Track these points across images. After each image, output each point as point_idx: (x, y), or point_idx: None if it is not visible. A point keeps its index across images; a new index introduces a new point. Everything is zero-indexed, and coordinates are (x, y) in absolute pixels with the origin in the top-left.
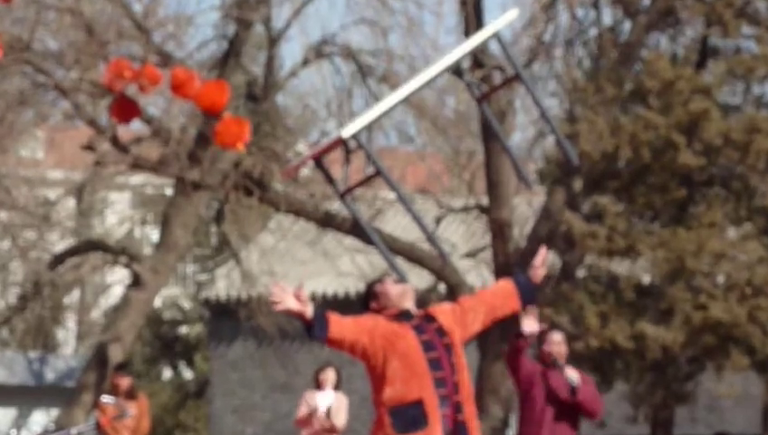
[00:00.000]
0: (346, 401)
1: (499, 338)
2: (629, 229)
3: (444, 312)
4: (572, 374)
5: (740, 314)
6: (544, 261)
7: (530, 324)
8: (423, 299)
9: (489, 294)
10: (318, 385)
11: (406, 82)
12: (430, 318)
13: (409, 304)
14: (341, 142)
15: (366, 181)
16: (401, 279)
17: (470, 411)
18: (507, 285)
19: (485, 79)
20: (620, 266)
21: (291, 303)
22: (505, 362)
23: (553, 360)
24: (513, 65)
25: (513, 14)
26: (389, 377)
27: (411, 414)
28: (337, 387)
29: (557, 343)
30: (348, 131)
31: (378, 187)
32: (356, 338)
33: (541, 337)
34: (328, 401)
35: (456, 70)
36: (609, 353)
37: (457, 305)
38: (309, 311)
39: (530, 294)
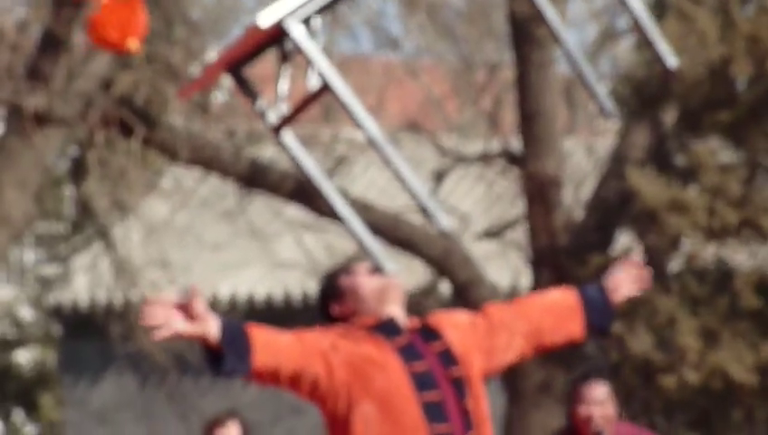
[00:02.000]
0: None
1: (537, 368)
2: (749, 193)
3: (456, 325)
4: None
5: None
6: (636, 271)
7: None
8: (415, 305)
9: (536, 305)
10: None
11: None
12: (431, 333)
13: (395, 308)
14: (268, 35)
15: (309, 103)
16: (381, 268)
17: None
18: (567, 296)
19: None
20: (737, 254)
21: (179, 324)
22: None
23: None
24: None
25: None
26: (358, 432)
27: None
28: None
29: (600, 402)
30: (269, 16)
31: (339, 121)
32: (300, 366)
33: (572, 389)
34: None
35: None
36: (718, 394)
37: (480, 317)
38: (213, 329)
39: (603, 316)
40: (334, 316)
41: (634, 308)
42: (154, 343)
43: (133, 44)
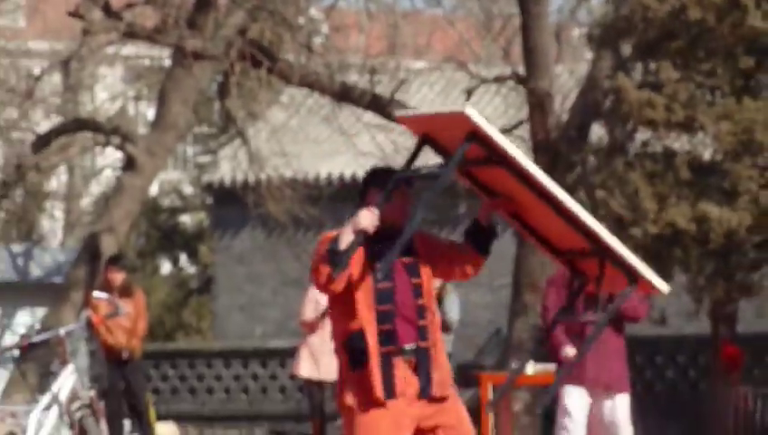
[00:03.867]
0: None
1: None
2: (690, 99)
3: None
4: None
5: None
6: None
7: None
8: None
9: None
10: None
11: None
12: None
13: None
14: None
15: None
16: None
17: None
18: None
19: None
20: (676, 142)
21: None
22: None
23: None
24: None
25: None
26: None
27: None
28: None
29: None
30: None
31: (401, 55)
32: None
33: None
34: None
35: None
36: (667, 240)
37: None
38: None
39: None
40: (368, 201)
41: (610, 181)
42: (280, 205)
43: None
